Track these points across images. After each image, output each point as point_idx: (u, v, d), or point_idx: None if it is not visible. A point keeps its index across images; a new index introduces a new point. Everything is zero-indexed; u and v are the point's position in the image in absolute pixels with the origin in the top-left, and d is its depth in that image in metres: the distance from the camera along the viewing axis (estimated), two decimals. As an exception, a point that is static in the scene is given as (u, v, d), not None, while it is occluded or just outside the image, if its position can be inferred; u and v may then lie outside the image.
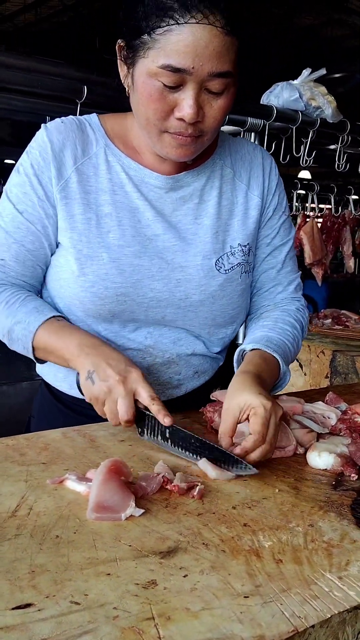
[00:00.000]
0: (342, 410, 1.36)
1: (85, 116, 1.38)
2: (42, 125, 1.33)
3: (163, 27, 1.10)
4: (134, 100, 1.22)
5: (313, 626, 0.69)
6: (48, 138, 1.31)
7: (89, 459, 1.12)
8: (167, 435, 1.16)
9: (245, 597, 0.73)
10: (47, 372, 1.48)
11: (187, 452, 1.13)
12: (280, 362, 1.30)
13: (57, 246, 1.36)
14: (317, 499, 1.01)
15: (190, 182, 1.36)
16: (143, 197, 1.33)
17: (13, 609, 0.69)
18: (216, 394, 1.33)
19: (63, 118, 1.35)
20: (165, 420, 1.13)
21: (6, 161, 6.50)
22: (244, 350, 1.33)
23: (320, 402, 1.38)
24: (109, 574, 0.76)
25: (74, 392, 1.41)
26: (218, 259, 1.36)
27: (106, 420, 1.20)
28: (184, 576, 0.76)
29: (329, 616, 0.70)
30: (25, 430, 1.52)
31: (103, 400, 1.18)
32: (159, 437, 1.17)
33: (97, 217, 1.32)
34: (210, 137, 1.25)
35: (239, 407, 1.14)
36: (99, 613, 0.68)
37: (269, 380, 1.26)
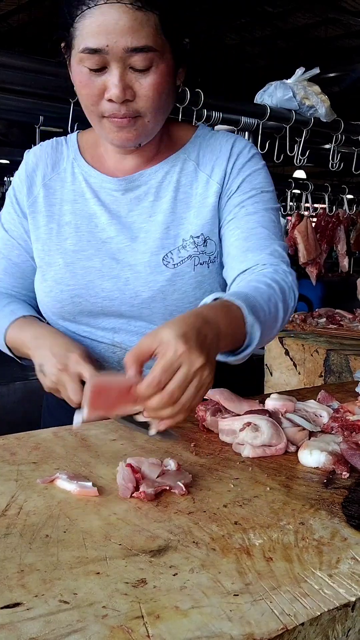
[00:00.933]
0: (334, 408, 1.36)
1: (69, 135, 1.49)
2: (26, 151, 1.49)
3: (79, 14, 1.18)
4: (77, 92, 1.29)
5: (303, 624, 0.69)
6: (25, 161, 1.47)
7: (80, 458, 1.12)
8: None
9: (235, 595, 0.72)
10: None
11: (133, 425, 1.09)
12: (243, 311, 1.11)
13: None
14: (308, 497, 1.00)
15: (147, 181, 1.39)
16: (100, 202, 1.39)
17: (2, 608, 0.68)
18: (208, 393, 1.32)
19: (45, 141, 1.48)
20: None
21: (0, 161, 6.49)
22: (205, 303, 1.15)
23: (312, 401, 1.38)
24: (98, 573, 0.76)
25: None
26: (166, 254, 1.36)
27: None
28: (174, 575, 0.76)
29: (319, 614, 0.70)
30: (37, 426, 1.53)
31: (57, 390, 1.24)
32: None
33: (59, 226, 1.41)
34: (152, 120, 1.26)
35: (151, 340, 0.98)
36: (87, 612, 0.68)
37: (222, 326, 1.05)
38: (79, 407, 1.18)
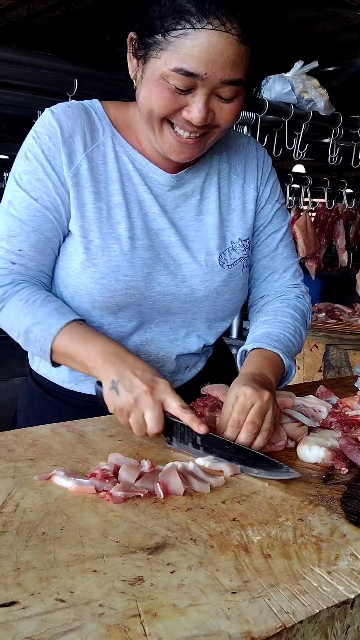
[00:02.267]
0: (333, 403, 1.36)
1: (87, 101, 1.35)
2: (47, 109, 1.29)
3: (179, 30, 1.10)
4: (142, 94, 1.21)
5: (301, 622, 0.68)
6: (57, 122, 1.27)
7: (78, 454, 1.11)
8: (199, 442, 1.11)
9: (232, 592, 0.72)
10: (43, 366, 1.46)
11: (222, 459, 1.09)
12: (282, 357, 1.29)
13: (67, 233, 1.32)
14: (307, 493, 1.00)
15: (191, 179, 1.36)
16: (149, 190, 1.33)
17: (-3, 607, 0.68)
18: (206, 389, 1.32)
19: (68, 102, 1.32)
20: (200, 429, 1.08)
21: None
22: (246, 351, 1.34)
23: (311, 396, 1.37)
24: (95, 571, 0.75)
25: (67, 385, 1.41)
26: (221, 255, 1.37)
27: (92, 409, 1.19)
28: (172, 572, 0.76)
29: (318, 611, 0.70)
30: (11, 426, 1.51)
31: (128, 412, 1.12)
32: (190, 445, 1.12)
33: (108, 207, 1.29)
34: (215, 139, 1.25)
35: (229, 402, 1.15)
36: (84, 610, 0.67)
37: (271, 376, 1.24)
38: (144, 435, 1.13)
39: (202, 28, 1.08)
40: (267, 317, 1.41)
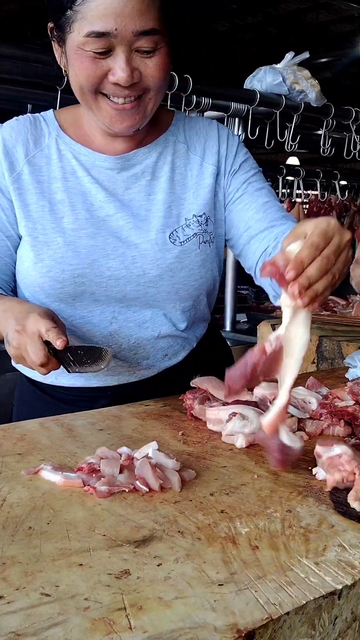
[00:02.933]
0: (323, 394, 1.35)
1: (42, 112, 1.43)
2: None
3: None
4: (70, 76, 1.25)
5: (288, 613, 0.68)
6: (1, 136, 1.36)
7: (67, 449, 1.10)
8: (71, 357, 1.13)
9: (219, 585, 0.71)
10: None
11: (86, 367, 1.14)
12: None
13: (20, 239, 1.38)
14: (296, 485, 1.00)
15: (142, 160, 1.38)
16: (94, 180, 1.36)
17: (-18, 602, 0.67)
18: (196, 381, 1.31)
19: (19, 116, 1.40)
20: (57, 343, 1.08)
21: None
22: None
23: (301, 387, 1.37)
24: (81, 565, 0.75)
25: (48, 380, 1.41)
26: (172, 232, 1.37)
27: (79, 403, 1.19)
28: (158, 565, 0.75)
29: (304, 602, 0.69)
30: (9, 420, 1.51)
31: (22, 357, 1.14)
32: (75, 366, 1.15)
33: (51, 204, 1.34)
34: (154, 98, 1.26)
35: (300, 232, 1.00)
36: (69, 604, 0.67)
37: None
38: (48, 370, 1.13)
39: None
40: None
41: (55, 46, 1.27)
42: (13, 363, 1.48)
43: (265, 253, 1.39)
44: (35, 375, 1.44)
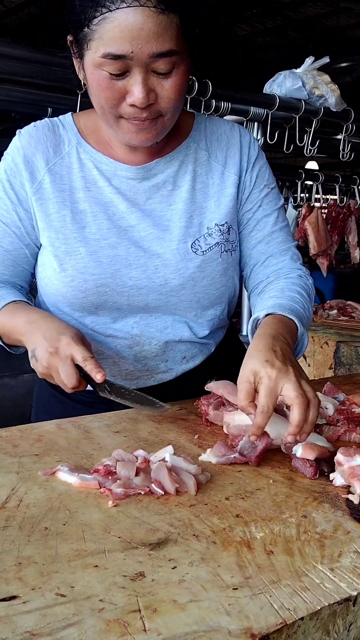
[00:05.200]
0: (340, 400, 1.35)
1: (60, 117, 1.42)
2: (17, 131, 1.38)
3: (98, 16, 1.12)
4: (89, 92, 1.25)
5: (302, 618, 0.68)
6: (20, 144, 1.36)
7: (83, 450, 1.11)
8: (109, 389, 1.20)
9: (234, 589, 0.72)
10: None
11: (128, 402, 1.22)
12: (297, 323, 1.26)
13: (40, 247, 1.40)
14: (312, 490, 0.99)
15: (163, 170, 1.37)
16: (115, 190, 1.36)
17: (-2, 601, 0.68)
18: (211, 386, 1.31)
19: (36, 122, 1.39)
20: (97, 377, 1.16)
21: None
22: (258, 319, 1.30)
23: (317, 393, 1.36)
24: (96, 566, 0.75)
25: None
26: (194, 242, 1.37)
27: (99, 405, 1.20)
28: (173, 568, 0.75)
29: (319, 608, 0.69)
30: (27, 420, 1.53)
31: (50, 375, 1.20)
32: (106, 392, 1.21)
33: (73, 213, 1.35)
34: (171, 118, 1.25)
35: (248, 377, 1.10)
36: (84, 605, 0.67)
37: (289, 338, 1.21)
38: (73, 390, 1.19)
39: (117, 8, 1.11)
40: (274, 293, 1.39)
41: (74, 59, 1.26)
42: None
43: (258, 286, 1.48)
44: None
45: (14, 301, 1.35)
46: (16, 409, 1.65)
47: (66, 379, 1.16)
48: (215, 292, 1.40)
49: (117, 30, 1.11)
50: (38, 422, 1.25)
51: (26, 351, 1.36)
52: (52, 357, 1.18)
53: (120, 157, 1.37)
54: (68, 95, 2.91)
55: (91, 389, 1.21)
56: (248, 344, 1.31)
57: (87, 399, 1.28)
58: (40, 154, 1.35)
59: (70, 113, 1.43)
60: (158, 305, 1.37)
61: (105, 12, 1.11)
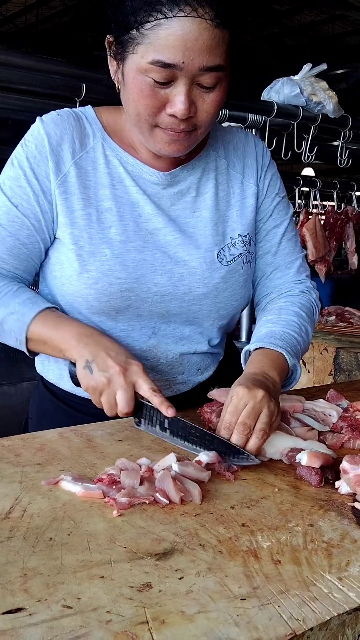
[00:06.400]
0: (343, 407, 1.34)
1: (80, 108, 1.35)
2: (38, 118, 1.30)
3: (151, 21, 1.09)
4: (125, 96, 1.21)
5: (312, 629, 0.67)
6: (45, 131, 1.28)
7: (86, 459, 1.10)
8: (166, 425, 1.16)
9: (242, 599, 0.71)
10: (49, 371, 1.46)
11: (187, 443, 1.13)
12: (286, 356, 1.27)
13: (52, 242, 1.33)
14: (318, 498, 0.99)
15: (186, 177, 1.35)
16: (142, 190, 1.32)
17: (3, 613, 0.67)
18: (213, 393, 1.30)
19: (59, 110, 1.32)
20: (168, 412, 1.13)
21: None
22: (249, 351, 1.32)
23: (321, 400, 1.36)
24: (102, 577, 0.74)
25: (77, 391, 1.39)
26: (220, 251, 1.36)
27: (104, 416, 1.19)
28: (180, 578, 0.75)
29: (328, 618, 0.68)
30: (23, 431, 1.51)
31: (101, 391, 1.16)
32: (157, 427, 1.17)
33: (98, 212, 1.30)
34: (204, 132, 1.24)
35: (226, 404, 1.15)
36: (91, 617, 0.67)
37: (274, 374, 1.22)
38: (115, 415, 1.16)
39: (174, 16, 1.08)
40: (271, 316, 1.39)
41: (111, 61, 1.23)
42: (37, 369, 1.48)
43: (262, 301, 1.50)
44: (63, 384, 1.43)
45: (49, 308, 1.29)
46: (16, 417, 1.63)
47: (123, 403, 1.14)
48: (234, 302, 1.39)
49: (171, 39, 1.08)
50: (40, 431, 1.24)
51: (25, 358, 1.34)
52: (118, 377, 1.14)
53: (144, 159, 1.33)
54: (66, 103, 2.92)
55: (134, 418, 1.20)
56: (242, 349, 1.32)
57: (93, 410, 1.26)
58: (67, 144, 1.28)
59: (89, 106, 1.36)
60: (178, 313, 1.36)
61: (161, 19, 1.08)
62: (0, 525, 0.85)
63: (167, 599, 0.70)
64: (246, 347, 1.33)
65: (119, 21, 1.14)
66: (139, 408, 1.18)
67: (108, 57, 1.23)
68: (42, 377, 1.50)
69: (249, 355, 1.32)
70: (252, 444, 1.09)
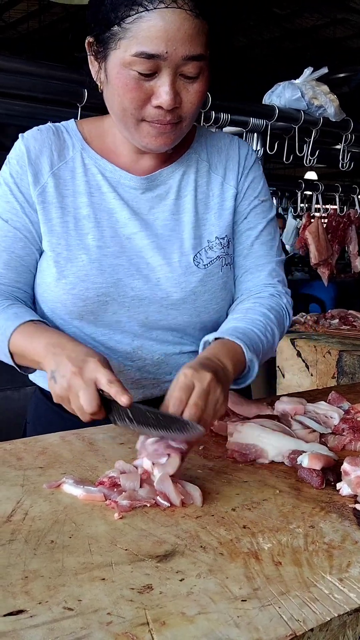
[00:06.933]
0: (344, 409, 1.34)
1: (63, 122, 1.40)
2: (20, 134, 1.35)
3: (133, 15, 1.12)
4: (109, 93, 1.23)
5: (312, 630, 0.67)
6: (25, 146, 1.33)
7: (88, 462, 1.11)
8: (131, 415, 1.06)
9: (242, 600, 0.71)
10: (39, 377, 1.47)
11: (151, 429, 1.05)
12: (243, 349, 1.21)
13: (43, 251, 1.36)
14: (319, 500, 0.99)
15: (166, 180, 1.37)
16: (119, 197, 1.34)
17: (5, 615, 0.67)
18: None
19: (40, 126, 1.37)
20: (122, 399, 1.04)
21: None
22: (207, 342, 1.27)
23: (322, 402, 1.36)
24: (103, 579, 0.75)
25: None
26: (196, 255, 1.35)
27: (98, 420, 1.18)
28: (181, 580, 0.75)
29: (329, 619, 0.69)
30: (21, 436, 1.50)
31: (67, 398, 1.10)
32: (127, 421, 1.07)
33: (75, 219, 1.33)
34: (189, 124, 1.25)
35: (173, 383, 1.08)
36: (92, 619, 0.67)
37: (226, 361, 1.17)
38: (90, 420, 1.08)
39: (155, 8, 1.11)
40: (237, 315, 1.36)
41: (92, 61, 1.25)
42: (29, 375, 1.48)
43: (237, 300, 1.44)
44: None
45: (32, 320, 1.28)
46: (19, 421, 1.63)
47: (86, 403, 1.05)
48: (215, 306, 1.38)
49: (154, 30, 1.11)
50: (42, 435, 1.25)
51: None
52: (75, 378, 1.08)
53: (124, 165, 1.36)
54: (68, 109, 2.93)
55: (110, 418, 1.11)
56: None
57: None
58: (45, 157, 1.33)
59: (72, 120, 1.41)
60: (158, 319, 1.35)
61: (142, 11, 1.11)
62: (2, 528, 0.86)
63: (167, 601, 0.70)
64: (205, 338, 1.28)
65: (98, 20, 1.17)
66: (109, 406, 1.09)
67: (89, 57, 1.25)
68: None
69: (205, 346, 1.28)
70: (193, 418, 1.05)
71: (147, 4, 1.11)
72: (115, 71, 1.18)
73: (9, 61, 2.50)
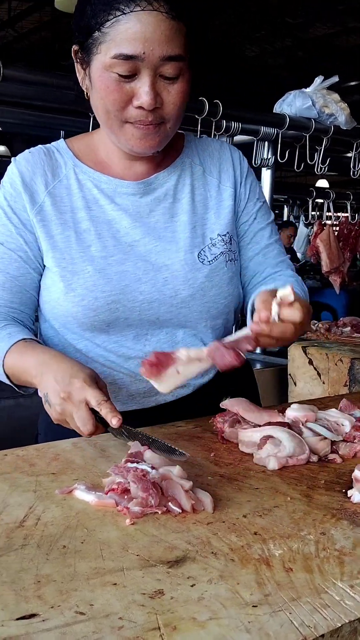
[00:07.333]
0: (356, 417, 1.34)
1: (53, 143, 1.44)
2: (12, 158, 1.40)
3: (110, 19, 1.17)
4: (94, 97, 1.27)
5: (323, 635, 0.67)
6: (18, 169, 1.37)
7: (99, 468, 1.11)
8: (126, 433, 1.14)
9: (253, 606, 0.71)
10: None
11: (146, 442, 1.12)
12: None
13: (44, 269, 1.39)
14: (330, 507, 0.99)
15: (162, 183, 1.40)
16: (118, 207, 1.37)
17: (17, 619, 0.68)
18: (226, 404, 1.31)
19: (31, 149, 1.41)
20: (113, 422, 1.09)
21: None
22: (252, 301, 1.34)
23: (333, 409, 1.36)
24: (115, 584, 0.75)
25: None
26: (200, 252, 1.39)
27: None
28: (192, 586, 0.75)
29: (340, 625, 0.69)
30: (34, 442, 1.51)
31: (65, 420, 1.16)
32: (125, 436, 1.15)
33: (76, 233, 1.35)
34: (173, 126, 1.29)
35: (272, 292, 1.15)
36: (104, 623, 0.67)
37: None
38: (90, 436, 1.13)
39: (131, 11, 1.16)
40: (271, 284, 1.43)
41: (78, 69, 1.29)
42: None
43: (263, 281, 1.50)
44: None
45: (24, 339, 1.30)
46: (31, 429, 1.64)
47: (82, 426, 1.11)
48: (223, 301, 1.41)
49: (130, 32, 1.16)
50: (54, 441, 1.25)
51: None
52: (66, 403, 1.13)
53: (119, 173, 1.39)
54: (80, 118, 2.95)
55: (108, 432, 1.17)
56: (261, 362, 1.31)
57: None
58: (39, 177, 1.37)
59: (62, 139, 1.45)
60: (169, 318, 1.38)
61: (119, 15, 1.16)
62: (15, 534, 0.87)
63: (178, 606, 0.71)
64: (252, 298, 1.36)
65: (81, 27, 1.22)
66: (104, 420, 1.13)
67: (76, 65, 1.29)
68: None
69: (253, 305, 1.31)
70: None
71: (124, 7, 1.16)
72: (97, 74, 1.22)
73: (22, 72, 2.53)
